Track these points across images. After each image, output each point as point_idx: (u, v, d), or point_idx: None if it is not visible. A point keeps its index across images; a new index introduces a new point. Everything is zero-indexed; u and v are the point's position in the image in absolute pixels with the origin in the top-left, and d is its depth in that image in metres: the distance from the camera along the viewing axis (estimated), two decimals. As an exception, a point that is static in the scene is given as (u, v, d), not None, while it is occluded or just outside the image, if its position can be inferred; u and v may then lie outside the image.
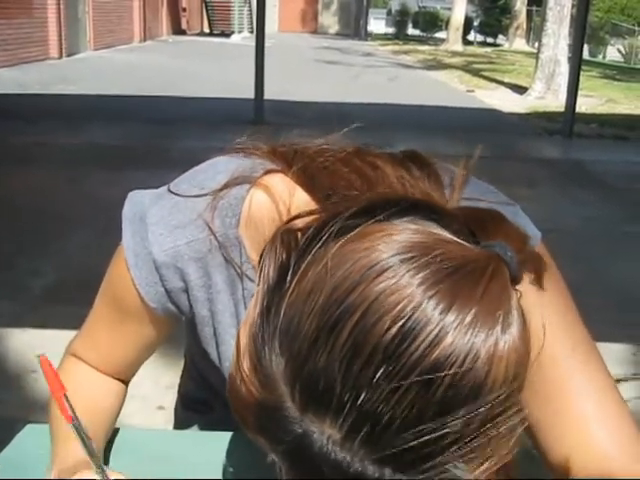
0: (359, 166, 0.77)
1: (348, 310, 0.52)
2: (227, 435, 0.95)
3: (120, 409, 0.98)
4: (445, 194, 0.73)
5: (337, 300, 0.52)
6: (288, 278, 0.57)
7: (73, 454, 0.83)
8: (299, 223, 0.64)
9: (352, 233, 0.56)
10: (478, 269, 0.54)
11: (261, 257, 0.62)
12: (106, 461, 0.91)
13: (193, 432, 1.06)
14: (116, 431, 0.98)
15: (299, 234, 0.61)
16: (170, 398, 1.31)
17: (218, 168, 0.86)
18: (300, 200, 0.80)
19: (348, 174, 0.77)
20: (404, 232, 0.55)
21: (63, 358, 0.99)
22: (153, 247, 0.83)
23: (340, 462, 0.53)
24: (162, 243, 0.83)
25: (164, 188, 0.87)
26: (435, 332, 0.51)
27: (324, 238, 0.57)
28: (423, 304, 0.51)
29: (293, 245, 0.60)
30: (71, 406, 0.75)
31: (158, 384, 2.74)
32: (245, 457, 0.87)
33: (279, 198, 0.81)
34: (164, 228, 0.83)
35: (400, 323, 0.51)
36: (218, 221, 0.82)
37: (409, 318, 0.51)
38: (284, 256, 0.59)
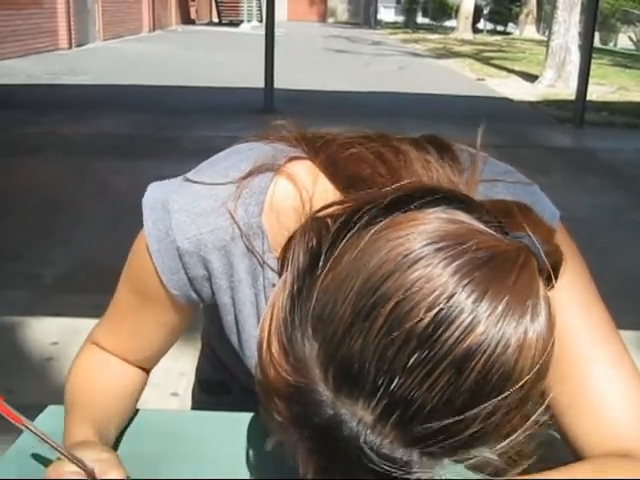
0: (383, 153, 0.78)
1: (383, 297, 0.53)
2: (245, 416, 0.96)
3: (138, 396, 0.98)
4: (465, 176, 0.74)
5: (372, 287, 0.54)
6: (320, 264, 0.58)
7: (69, 439, 0.84)
8: (330, 211, 0.65)
9: (385, 221, 0.57)
10: (509, 260, 0.55)
11: (288, 243, 0.63)
12: (119, 441, 0.92)
13: (210, 413, 1.06)
14: (135, 413, 0.98)
15: (329, 221, 0.62)
16: (183, 385, 1.32)
17: (240, 156, 0.85)
18: (323, 188, 0.80)
19: (373, 162, 0.77)
20: (436, 221, 0.57)
21: (83, 345, 1.00)
22: (177, 235, 0.82)
23: (370, 445, 0.54)
24: (186, 231, 0.82)
25: (185, 176, 0.86)
26: (468, 320, 0.52)
27: (357, 226, 0.59)
28: (457, 293, 0.53)
29: (324, 232, 0.61)
30: (15, 408, 0.73)
31: (171, 371, 2.75)
32: (263, 438, 0.88)
33: (302, 186, 0.81)
34: (187, 216, 0.82)
35: (434, 311, 0.52)
36: (241, 209, 0.82)
37: (443, 307, 0.52)
38: (315, 242, 0.60)
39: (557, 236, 0.63)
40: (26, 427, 0.75)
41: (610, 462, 0.75)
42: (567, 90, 11.99)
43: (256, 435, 0.93)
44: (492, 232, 0.58)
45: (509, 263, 0.55)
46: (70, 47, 16.52)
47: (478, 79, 14.53)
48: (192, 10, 30.38)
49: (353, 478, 0.56)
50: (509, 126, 8.71)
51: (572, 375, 0.79)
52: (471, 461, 0.57)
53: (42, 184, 5.67)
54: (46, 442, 0.76)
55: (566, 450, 0.81)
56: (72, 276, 3.96)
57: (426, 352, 0.52)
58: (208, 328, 1.16)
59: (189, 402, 1.31)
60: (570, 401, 0.79)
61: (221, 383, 1.18)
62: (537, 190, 0.86)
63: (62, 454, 0.76)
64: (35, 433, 0.76)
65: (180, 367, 2.77)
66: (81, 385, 0.93)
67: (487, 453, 0.57)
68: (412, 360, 0.52)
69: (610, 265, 4.12)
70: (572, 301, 0.79)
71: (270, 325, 0.60)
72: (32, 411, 0.99)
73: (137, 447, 0.91)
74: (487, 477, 0.72)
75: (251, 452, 0.91)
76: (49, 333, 3.23)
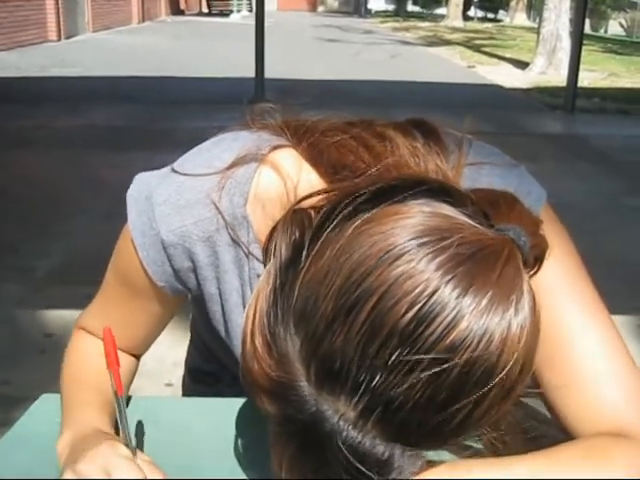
0: (367, 139, 0.77)
1: (366, 293, 0.53)
2: (236, 401, 0.96)
3: (130, 381, 0.99)
4: (451, 160, 0.74)
5: (355, 283, 0.53)
6: (302, 257, 0.58)
7: (89, 422, 0.84)
8: (312, 202, 0.65)
9: (367, 214, 0.57)
10: (493, 254, 0.55)
11: (271, 234, 0.63)
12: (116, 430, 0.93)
13: (201, 399, 1.07)
14: (127, 399, 0.98)
15: (312, 213, 0.62)
16: (177, 375, 1.32)
17: (224, 146, 0.85)
18: (307, 177, 0.80)
19: (356, 148, 0.76)
20: (420, 215, 0.56)
21: (73, 332, 1.00)
22: (161, 227, 0.82)
23: (351, 440, 0.54)
24: (170, 223, 0.82)
25: (169, 168, 0.86)
26: (451, 316, 0.52)
27: (339, 218, 0.58)
28: (440, 289, 0.52)
29: (307, 224, 0.60)
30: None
31: (164, 361, 2.75)
32: (253, 424, 0.88)
33: (286, 175, 0.80)
34: (171, 208, 0.82)
35: (417, 307, 0.52)
36: (226, 200, 0.81)
37: (425, 303, 0.52)
38: (297, 234, 0.60)
39: (543, 216, 0.63)
40: (118, 402, 0.77)
41: (598, 443, 0.75)
42: (558, 77, 11.98)
43: (247, 421, 0.93)
44: (476, 225, 0.57)
45: (493, 257, 0.55)
46: (59, 39, 16.41)
47: (469, 67, 14.51)
48: (181, 1, 30.20)
49: (330, 474, 0.56)
50: (500, 113, 8.71)
51: (560, 354, 0.79)
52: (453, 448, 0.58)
53: (35, 177, 5.64)
54: (120, 423, 0.78)
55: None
56: (66, 268, 3.96)
57: (408, 349, 0.52)
58: (196, 318, 1.16)
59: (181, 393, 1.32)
60: (559, 380, 0.79)
61: (211, 372, 1.18)
62: (523, 171, 0.86)
63: (129, 441, 0.78)
64: (120, 411, 0.78)
65: (174, 357, 2.77)
66: (81, 371, 0.94)
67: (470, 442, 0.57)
68: (394, 357, 0.52)
69: (601, 250, 4.13)
70: (559, 280, 0.79)
71: (254, 318, 0.59)
72: (28, 403, 1.00)
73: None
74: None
75: (242, 438, 0.91)
76: (43, 325, 3.23)
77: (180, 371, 1.31)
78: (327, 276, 0.55)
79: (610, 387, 0.78)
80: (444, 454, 0.60)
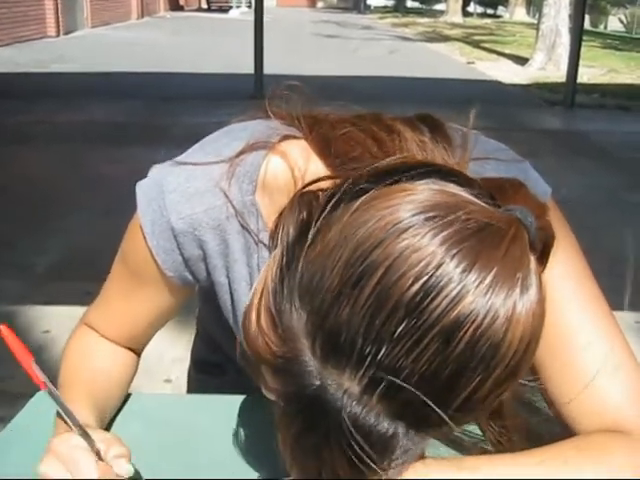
0: (376, 132, 0.78)
1: (371, 266, 0.53)
2: (238, 399, 0.96)
3: (131, 378, 0.99)
4: (457, 154, 0.74)
5: (361, 256, 0.54)
6: (310, 235, 0.58)
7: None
8: (320, 185, 0.65)
9: (375, 192, 0.57)
10: (500, 231, 0.55)
11: (279, 217, 0.63)
12: (111, 425, 0.92)
13: (203, 396, 1.07)
14: (127, 396, 0.98)
15: (320, 194, 0.62)
16: (176, 371, 1.32)
17: (233, 135, 0.85)
18: (315, 168, 0.80)
19: (364, 141, 0.77)
20: (427, 191, 0.56)
21: (76, 327, 0.99)
22: (171, 215, 0.82)
23: (355, 416, 0.54)
24: (180, 211, 0.82)
25: (179, 157, 0.86)
26: (456, 291, 0.52)
27: (347, 196, 0.58)
28: (445, 263, 0.53)
29: (315, 204, 0.61)
30: (43, 372, 0.74)
31: (164, 358, 2.76)
32: (256, 421, 0.88)
33: (294, 164, 0.81)
34: (181, 196, 0.82)
35: (422, 280, 0.52)
36: (235, 188, 0.82)
37: (431, 276, 0.52)
38: (305, 214, 0.61)
39: (549, 212, 0.63)
40: (49, 393, 0.76)
41: (597, 439, 0.75)
42: (558, 73, 11.98)
43: (249, 417, 0.93)
44: (483, 204, 0.57)
45: (499, 235, 0.55)
46: (58, 35, 16.40)
47: (468, 62, 14.50)
48: (180, -4, 30.18)
49: (333, 453, 0.56)
50: (500, 109, 8.70)
51: (562, 348, 0.79)
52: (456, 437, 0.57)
53: (33, 173, 5.64)
54: (63, 413, 0.77)
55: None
56: (65, 264, 3.95)
57: (414, 321, 0.52)
58: (203, 310, 1.16)
59: (182, 388, 1.32)
60: (560, 375, 0.79)
61: (216, 364, 1.18)
62: (528, 167, 0.86)
63: (77, 428, 0.76)
64: (56, 401, 0.76)
65: (173, 353, 2.78)
66: (77, 366, 0.93)
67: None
68: (400, 329, 0.52)
69: (601, 246, 4.13)
70: (564, 275, 0.79)
71: (260, 298, 0.60)
72: (27, 399, 0.99)
73: (129, 430, 0.91)
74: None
75: (243, 435, 0.91)
76: (41, 321, 3.23)
77: (179, 367, 1.32)
78: (334, 250, 0.55)
79: (611, 384, 0.78)
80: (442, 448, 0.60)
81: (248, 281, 0.87)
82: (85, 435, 0.76)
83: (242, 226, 0.83)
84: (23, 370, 0.74)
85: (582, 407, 0.78)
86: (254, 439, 0.89)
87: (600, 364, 0.78)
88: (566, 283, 0.80)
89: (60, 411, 0.77)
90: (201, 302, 1.13)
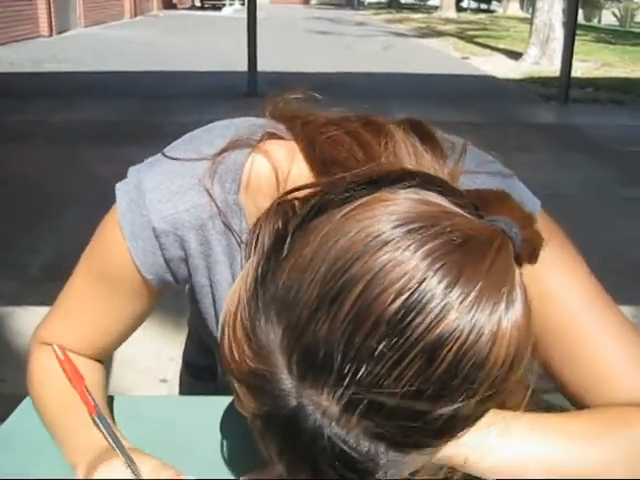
0: (363, 136, 0.75)
1: (351, 280, 0.50)
2: (230, 400, 0.96)
3: (105, 390, 0.94)
4: (447, 165, 0.71)
5: (340, 270, 0.51)
6: (286, 246, 0.56)
7: (97, 443, 0.80)
8: (297, 194, 0.62)
9: (355, 202, 0.55)
10: (484, 244, 0.53)
11: (255, 226, 0.61)
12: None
13: (193, 397, 1.06)
14: (111, 399, 0.97)
15: (297, 203, 0.60)
16: (172, 371, 1.32)
17: (216, 132, 0.83)
18: (298, 170, 0.78)
19: (350, 145, 0.74)
20: (408, 202, 0.54)
21: (32, 348, 0.94)
22: (152, 214, 0.79)
23: (334, 437, 0.52)
24: (161, 210, 0.79)
25: (158, 155, 0.83)
26: (439, 307, 0.50)
27: (325, 207, 0.56)
28: (427, 278, 0.50)
29: (291, 214, 0.59)
30: (92, 396, 0.74)
31: (160, 357, 2.75)
32: (246, 422, 0.87)
33: (278, 165, 0.78)
34: (162, 194, 0.79)
35: (404, 296, 0.50)
36: (218, 187, 0.79)
37: (413, 292, 0.50)
38: (281, 224, 0.58)
39: (540, 224, 0.61)
40: (98, 418, 0.76)
41: (619, 411, 0.75)
42: (551, 67, 11.98)
43: (241, 419, 0.93)
44: (466, 215, 0.55)
45: (484, 247, 0.52)
46: (51, 34, 16.32)
47: (463, 58, 14.49)
48: (174, -6, 30.11)
49: (318, 474, 0.54)
50: (494, 104, 8.71)
51: (579, 352, 0.78)
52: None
53: (28, 172, 5.62)
54: (110, 440, 0.77)
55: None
56: (60, 264, 3.94)
57: (395, 339, 0.49)
58: (193, 312, 1.15)
59: (178, 389, 1.31)
60: (580, 378, 0.79)
61: (207, 367, 1.17)
62: (516, 182, 0.84)
63: (125, 456, 0.77)
64: (104, 426, 0.77)
65: (168, 353, 2.77)
66: (55, 392, 0.87)
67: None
68: (381, 347, 0.49)
69: (595, 240, 4.13)
70: (564, 278, 0.79)
71: (236, 309, 0.57)
72: (20, 401, 0.99)
73: (121, 432, 0.90)
74: None
75: (235, 436, 0.90)
76: (37, 322, 3.21)
77: (175, 367, 1.31)
78: (312, 263, 0.52)
79: (627, 376, 0.78)
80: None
81: (230, 282, 0.84)
82: (131, 463, 0.77)
83: (225, 226, 0.81)
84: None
85: (592, 388, 0.78)
86: (246, 440, 0.89)
87: (615, 360, 0.78)
88: (569, 288, 0.79)
89: (107, 437, 0.77)
90: (190, 304, 1.12)
